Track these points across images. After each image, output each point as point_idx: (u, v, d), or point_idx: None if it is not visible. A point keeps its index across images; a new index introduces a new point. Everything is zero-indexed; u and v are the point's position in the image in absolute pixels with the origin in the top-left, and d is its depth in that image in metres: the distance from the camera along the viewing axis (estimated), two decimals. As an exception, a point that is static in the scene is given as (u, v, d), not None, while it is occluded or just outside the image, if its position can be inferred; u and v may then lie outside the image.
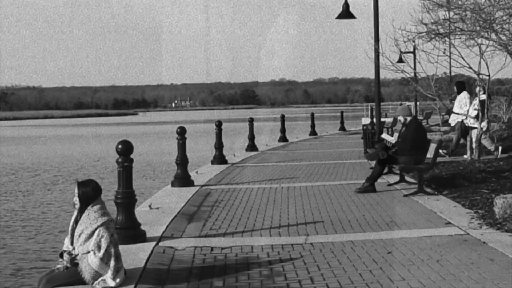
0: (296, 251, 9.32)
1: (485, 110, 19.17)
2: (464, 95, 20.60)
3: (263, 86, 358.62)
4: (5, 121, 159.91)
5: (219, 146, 22.11)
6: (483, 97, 19.51)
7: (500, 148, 19.79)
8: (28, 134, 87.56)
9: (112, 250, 7.48)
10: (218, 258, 9.02)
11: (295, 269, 8.34)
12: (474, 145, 19.51)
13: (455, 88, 21.27)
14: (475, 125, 19.40)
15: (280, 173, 18.96)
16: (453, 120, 21.04)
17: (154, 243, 9.76)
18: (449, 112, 44.01)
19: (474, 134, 19.64)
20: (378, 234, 10.23)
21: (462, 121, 20.42)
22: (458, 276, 7.71)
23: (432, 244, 9.41)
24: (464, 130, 20.51)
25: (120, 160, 9.95)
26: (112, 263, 7.45)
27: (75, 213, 7.70)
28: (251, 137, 27.77)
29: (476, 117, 19.28)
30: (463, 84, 21.10)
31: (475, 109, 19.44)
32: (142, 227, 10.12)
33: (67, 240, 7.72)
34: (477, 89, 19.77)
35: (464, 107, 20.34)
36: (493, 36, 15.86)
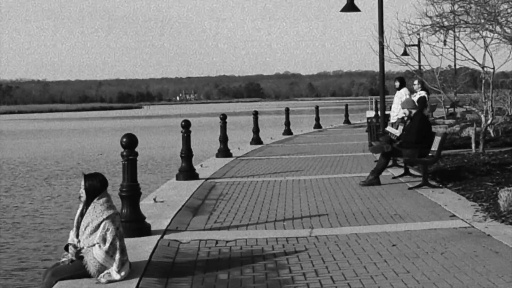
0: (301, 244, 9.33)
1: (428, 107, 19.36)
2: (405, 91, 20.49)
3: (267, 79, 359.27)
4: (10, 114, 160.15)
5: (223, 139, 22.14)
6: (422, 93, 19.52)
7: None
8: (32, 127, 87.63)
9: (118, 243, 7.50)
10: (222, 251, 9.04)
11: (299, 262, 8.36)
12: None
13: (396, 83, 20.97)
14: None
15: (285, 166, 18.98)
16: (394, 117, 20.88)
17: (159, 236, 9.79)
18: (453, 105, 44.02)
19: None
20: (382, 227, 10.24)
21: (403, 118, 20.36)
22: (462, 269, 7.72)
23: (436, 236, 9.42)
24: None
25: (124, 153, 9.97)
26: (117, 256, 7.47)
27: (81, 206, 7.72)
28: (256, 130, 27.78)
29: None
30: (404, 80, 20.94)
31: None
32: (147, 220, 10.14)
33: (72, 233, 7.73)
34: (415, 85, 19.72)
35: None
36: (498, 29, 15.85)
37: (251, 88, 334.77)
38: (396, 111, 20.69)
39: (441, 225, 10.15)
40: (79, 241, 7.59)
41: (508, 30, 15.61)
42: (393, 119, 20.98)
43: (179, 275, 7.88)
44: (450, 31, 17.77)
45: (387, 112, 21.28)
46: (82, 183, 7.67)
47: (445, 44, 17.81)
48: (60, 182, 27.99)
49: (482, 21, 15.83)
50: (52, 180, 28.69)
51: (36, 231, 17.77)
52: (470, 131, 21.96)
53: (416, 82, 20.18)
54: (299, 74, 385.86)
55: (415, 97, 19.59)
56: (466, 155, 18.02)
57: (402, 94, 20.39)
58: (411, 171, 15.79)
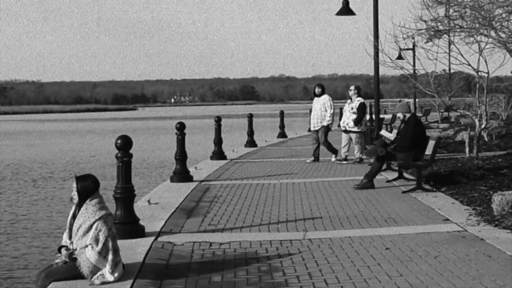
0: (295, 247, 9.34)
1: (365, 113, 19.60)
2: (328, 97, 20.24)
3: (262, 82, 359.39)
4: (4, 115, 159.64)
5: (218, 141, 22.15)
6: (362, 100, 19.50)
7: (362, 158, 19.79)
8: (26, 128, 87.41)
9: (110, 244, 7.50)
10: (216, 254, 9.04)
11: (293, 264, 8.37)
12: (356, 147, 19.74)
13: (318, 89, 20.38)
14: (355, 129, 19.40)
15: (279, 169, 18.99)
16: (317, 125, 20.34)
17: (153, 238, 9.79)
18: (448, 109, 44.01)
19: (353, 137, 19.59)
20: (376, 230, 10.26)
21: (328, 125, 20.12)
22: (455, 273, 7.74)
23: (430, 240, 9.44)
24: (325, 134, 20.16)
25: (119, 155, 9.97)
26: (110, 256, 7.47)
27: (73, 207, 7.72)
28: (250, 133, 27.80)
29: (356, 121, 19.28)
30: (324, 87, 20.67)
31: (353, 113, 19.35)
32: (141, 222, 10.14)
33: (65, 235, 7.73)
34: (351, 91, 19.62)
35: (329, 110, 19.99)
36: (492, 33, 15.88)
37: (246, 91, 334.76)
38: (320, 118, 20.24)
39: (434, 229, 10.17)
40: (71, 243, 7.59)
41: (502, 35, 15.64)
42: (315, 127, 20.39)
43: (173, 277, 7.89)
44: (445, 35, 17.79)
45: (383, 116, 21.14)
46: (74, 185, 7.66)
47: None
48: (48, 184, 27.58)
49: (477, 25, 15.85)
50: (39, 182, 28.33)
51: (22, 237, 17.48)
52: (464, 135, 21.99)
53: (352, 87, 19.93)
54: (294, 77, 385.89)
55: (354, 103, 19.46)
56: (460, 159, 18.04)
57: (326, 101, 20.09)
58: (405, 174, 15.81)
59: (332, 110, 20.05)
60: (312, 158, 20.59)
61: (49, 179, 29.54)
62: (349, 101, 19.92)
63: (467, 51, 18.18)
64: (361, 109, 19.57)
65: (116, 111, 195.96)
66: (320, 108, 20.19)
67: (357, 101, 19.58)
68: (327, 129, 20.32)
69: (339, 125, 20.74)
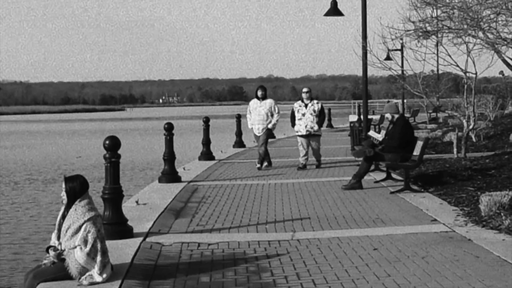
0: (283, 247, 9.35)
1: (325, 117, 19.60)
2: (275, 102, 19.65)
3: (250, 83, 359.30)
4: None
5: (206, 142, 22.15)
6: (318, 101, 19.44)
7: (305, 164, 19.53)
8: (13, 129, 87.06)
9: (99, 245, 7.49)
10: (205, 254, 9.04)
11: (281, 265, 8.37)
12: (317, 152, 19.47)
13: (259, 92, 19.60)
14: (318, 132, 19.33)
15: (267, 170, 18.99)
16: (260, 130, 19.38)
17: (141, 238, 9.78)
18: (436, 110, 44.14)
19: (316, 140, 19.33)
20: (364, 231, 10.28)
21: (270, 130, 19.48)
22: (443, 273, 7.77)
23: (417, 241, 9.46)
24: (267, 138, 19.52)
25: (107, 155, 9.96)
26: (98, 258, 7.46)
27: (63, 208, 7.71)
28: (239, 134, 27.79)
29: (320, 123, 19.21)
30: (266, 90, 19.91)
31: (316, 116, 19.18)
32: (129, 223, 10.13)
33: (54, 235, 7.72)
34: (307, 94, 19.45)
35: (276, 115, 19.26)
36: (480, 34, 15.92)
37: (234, 91, 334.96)
38: (264, 122, 19.28)
39: (422, 230, 10.20)
40: (60, 243, 7.58)
41: (490, 36, 15.68)
42: (258, 131, 19.40)
43: (161, 278, 7.88)
44: (433, 36, 17.84)
45: (371, 117, 21.03)
46: (63, 186, 7.66)
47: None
48: (31, 187, 27.20)
49: (465, 26, 15.88)
50: (22, 185, 27.92)
51: (4, 242, 17.26)
52: (452, 136, 22.06)
53: (307, 89, 19.57)
54: (283, 77, 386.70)
55: (314, 106, 19.21)
56: (448, 160, 18.09)
57: (273, 105, 19.27)
58: (393, 175, 15.85)
59: (279, 115, 19.42)
60: (266, 164, 19.64)
61: (32, 181, 29.26)
62: (299, 102, 19.44)
63: (455, 52, 18.23)
64: (324, 111, 19.46)
65: (104, 111, 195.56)
66: (267, 112, 19.24)
67: (316, 103, 19.33)
68: (270, 132, 19.76)
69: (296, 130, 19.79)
